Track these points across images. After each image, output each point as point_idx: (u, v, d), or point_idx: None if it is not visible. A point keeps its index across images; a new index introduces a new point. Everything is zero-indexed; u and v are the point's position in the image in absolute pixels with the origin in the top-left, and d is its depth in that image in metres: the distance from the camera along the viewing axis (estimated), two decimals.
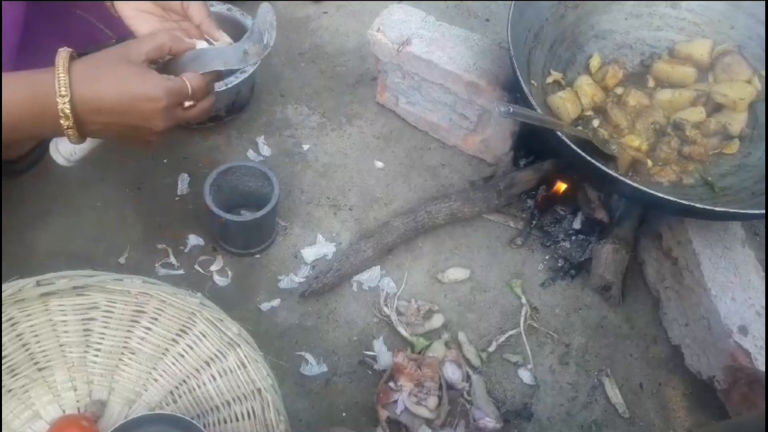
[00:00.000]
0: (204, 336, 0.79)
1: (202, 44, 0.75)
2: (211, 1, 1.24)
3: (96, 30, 0.95)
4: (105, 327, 0.80)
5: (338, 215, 1.15)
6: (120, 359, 0.81)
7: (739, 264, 0.98)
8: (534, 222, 1.15)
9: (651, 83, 1.17)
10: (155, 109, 0.67)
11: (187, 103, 0.71)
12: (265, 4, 0.72)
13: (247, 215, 1.02)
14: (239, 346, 0.77)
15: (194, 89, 0.70)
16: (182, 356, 0.80)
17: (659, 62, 1.17)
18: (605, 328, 1.07)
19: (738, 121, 1.10)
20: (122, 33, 1.11)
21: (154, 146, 0.73)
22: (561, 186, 1.14)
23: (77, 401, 0.79)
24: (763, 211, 0.90)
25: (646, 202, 1.06)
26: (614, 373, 1.02)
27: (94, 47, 0.76)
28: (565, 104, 1.09)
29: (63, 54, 0.65)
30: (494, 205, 1.13)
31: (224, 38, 0.76)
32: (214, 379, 0.78)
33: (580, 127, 1.09)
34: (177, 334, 0.80)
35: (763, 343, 0.90)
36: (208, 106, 0.74)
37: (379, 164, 1.22)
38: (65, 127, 0.65)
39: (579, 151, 0.93)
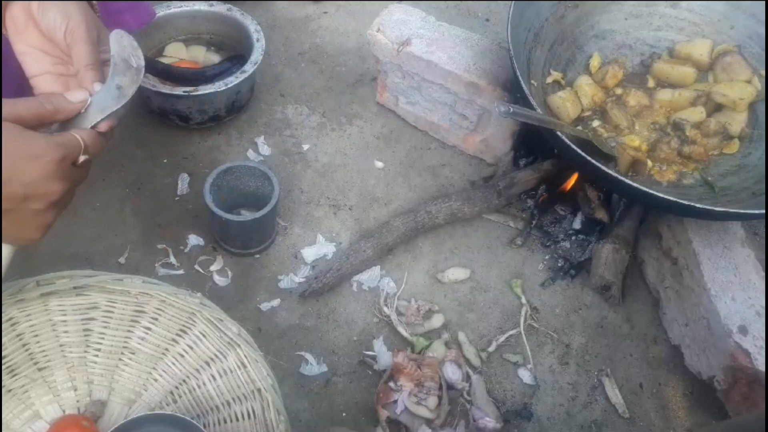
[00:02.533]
0: (204, 336, 0.79)
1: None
2: (211, 1, 1.24)
3: None
4: (105, 327, 0.80)
5: (338, 215, 1.15)
6: (120, 359, 0.81)
7: (739, 264, 0.98)
8: (534, 222, 1.15)
9: (651, 83, 1.17)
10: (45, 169, 0.54)
11: (82, 158, 0.59)
12: (115, 32, 0.65)
13: (247, 215, 1.02)
14: (239, 346, 0.77)
15: (87, 143, 0.59)
16: (182, 356, 0.80)
17: (659, 62, 1.17)
18: (605, 328, 1.07)
19: (738, 121, 1.10)
20: (127, 30, 1.11)
21: (48, 227, 0.58)
22: (561, 186, 1.14)
23: (77, 401, 0.79)
24: (763, 211, 0.91)
25: (646, 202, 1.06)
26: (614, 373, 1.02)
27: None
28: (565, 104, 1.09)
29: None
30: (494, 205, 1.13)
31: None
32: (214, 379, 0.78)
33: (580, 127, 1.09)
34: (177, 334, 0.80)
35: (763, 343, 0.90)
36: (99, 152, 0.62)
37: (379, 164, 1.22)
38: None
39: (579, 151, 0.93)
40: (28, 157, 0.54)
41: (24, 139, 0.54)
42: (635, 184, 0.91)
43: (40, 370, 0.78)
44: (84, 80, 0.64)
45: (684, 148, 1.09)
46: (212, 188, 1.00)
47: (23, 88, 0.82)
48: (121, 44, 0.64)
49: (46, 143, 0.55)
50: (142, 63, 0.65)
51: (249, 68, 1.15)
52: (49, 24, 0.64)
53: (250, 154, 1.20)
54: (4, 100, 0.56)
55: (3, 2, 0.65)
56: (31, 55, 0.67)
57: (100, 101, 0.63)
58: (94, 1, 0.70)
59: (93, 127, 0.62)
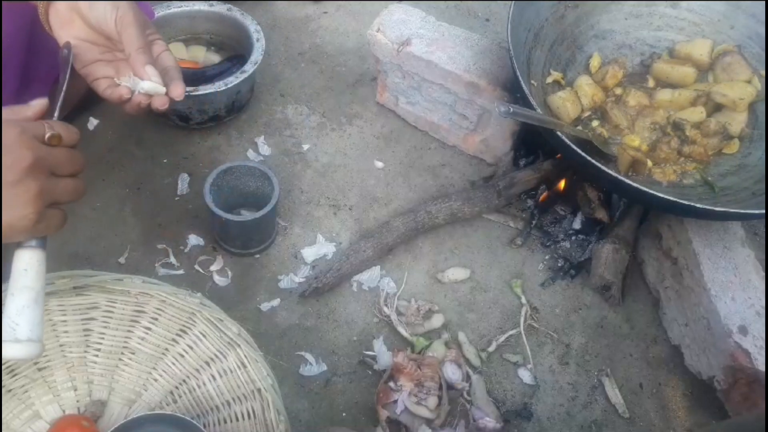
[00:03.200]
0: (204, 336, 0.79)
1: (133, 80, 0.71)
2: (211, 1, 1.24)
3: None
4: (105, 327, 0.80)
5: (338, 215, 1.15)
6: (120, 359, 0.81)
7: (739, 264, 0.98)
8: (534, 222, 1.15)
9: (651, 83, 1.17)
10: (6, 140, 0.55)
11: (48, 134, 0.59)
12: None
13: (247, 215, 1.02)
14: (239, 346, 0.77)
15: (50, 123, 0.61)
16: (182, 356, 0.80)
17: (659, 62, 1.17)
18: (605, 328, 1.07)
19: (738, 121, 1.10)
20: None
21: (37, 201, 0.58)
22: (556, 186, 1.14)
23: (77, 401, 0.79)
24: (763, 211, 0.90)
25: (646, 202, 1.06)
26: (614, 373, 1.02)
27: None
28: (565, 104, 1.09)
29: None
30: (494, 205, 1.13)
31: (151, 74, 0.71)
32: (214, 379, 0.78)
33: (580, 127, 1.09)
34: (177, 334, 0.80)
35: (763, 343, 0.90)
36: (74, 141, 0.63)
37: (379, 164, 1.22)
38: None
39: (579, 151, 0.93)
40: None
41: None
42: (635, 184, 0.91)
43: (40, 370, 0.78)
44: (136, 63, 0.70)
45: (684, 148, 1.09)
46: (212, 188, 1.00)
47: (22, 88, 0.82)
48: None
49: (5, 124, 0.57)
50: (70, 56, 0.70)
51: (249, 68, 1.15)
52: (99, 15, 0.70)
53: (250, 154, 1.20)
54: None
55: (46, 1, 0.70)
56: (80, 47, 0.72)
57: (53, 95, 0.67)
58: None
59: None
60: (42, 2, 0.70)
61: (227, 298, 1.03)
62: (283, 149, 1.22)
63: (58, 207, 0.61)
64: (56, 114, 0.66)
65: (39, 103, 0.64)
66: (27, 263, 0.61)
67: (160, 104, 0.73)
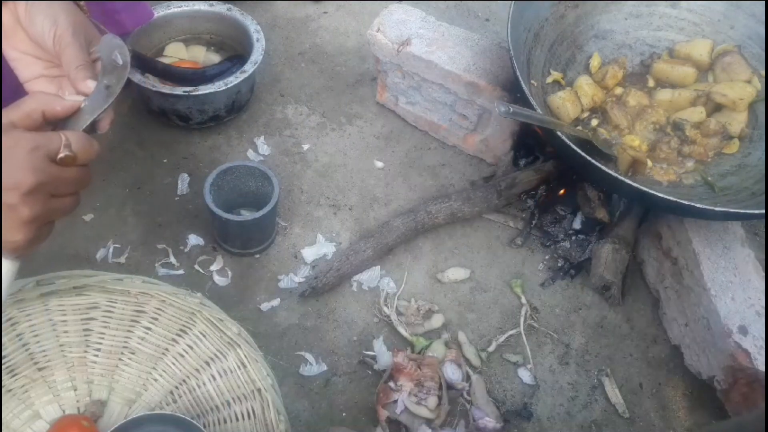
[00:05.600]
0: (204, 336, 0.79)
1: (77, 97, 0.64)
2: (211, 1, 1.24)
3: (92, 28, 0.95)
4: (105, 327, 0.80)
5: (338, 215, 1.15)
6: (120, 359, 0.81)
7: (739, 264, 0.98)
8: (534, 222, 1.15)
9: (651, 83, 1.17)
10: (15, 158, 0.52)
11: (61, 154, 0.56)
12: (104, 36, 0.65)
13: (247, 215, 1.02)
14: (239, 346, 0.77)
15: (70, 141, 0.56)
16: (182, 356, 0.80)
17: (659, 62, 1.17)
18: (605, 328, 1.07)
19: (738, 121, 1.10)
20: (123, 30, 1.11)
21: (29, 226, 0.55)
22: (559, 188, 1.14)
23: (77, 401, 0.80)
24: (763, 211, 0.90)
25: (646, 202, 1.06)
26: (614, 373, 1.02)
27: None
28: (565, 104, 1.09)
29: None
30: (494, 205, 1.13)
31: (92, 87, 0.64)
32: (214, 379, 0.78)
33: (580, 127, 1.09)
34: (177, 334, 0.80)
35: (763, 343, 0.90)
36: (90, 159, 0.60)
37: (379, 164, 1.22)
38: None
39: (579, 151, 0.93)
40: (2, 149, 0.52)
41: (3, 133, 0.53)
42: (635, 184, 0.91)
43: (40, 370, 0.79)
44: (75, 81, 0.63)
45: (684, 148, 1.09)
46: (212, 188, 1.00)
47: (19, 89, 0.82)
48: (109, 45, 0.65)
49: (19, 135, 0.54)
50: (127, 59, 0.65)
51: (249, 68, 1.15)
52: (37, 31, 0.64)
53: (250, 154, 1.20)
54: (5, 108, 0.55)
55: None
56: (22, 61, 0.67)
57: (92, 102, 0.62)
58: (82, 1, 0.70)
59: (89, 129, 0.61)
60: None
61: (227, 298, 1.03)
62: (283, 149, 1.22)
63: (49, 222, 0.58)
64: (85, 124, 0.61)
65: (74, 100, 0.60)
66: None
67: (102, 129, 0.65)
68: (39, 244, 0.58)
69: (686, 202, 0.90)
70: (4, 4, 0.64)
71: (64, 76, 0.67)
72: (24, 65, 0.67)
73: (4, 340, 0.75)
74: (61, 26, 0.64)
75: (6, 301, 0.70)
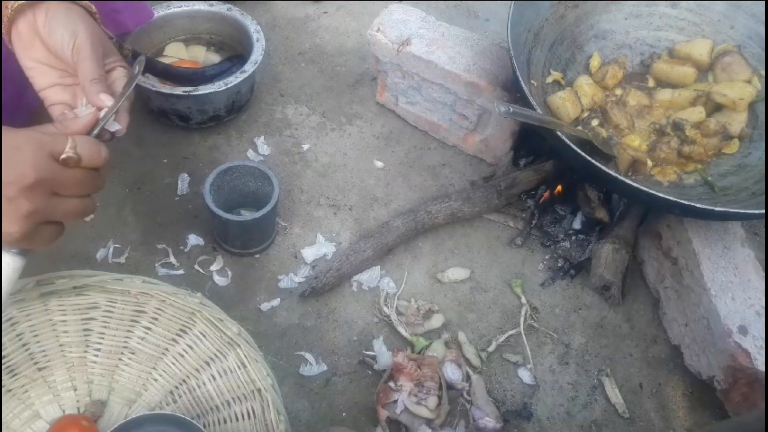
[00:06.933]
0: (204, 336, 0.79)
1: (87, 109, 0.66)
2: (211, 1, 1.24)
3: None
4: (105, 327, 0.80)
5: (338, 215, 1.15)
6: (120, 359, 0.81)
7: (739, 264, 0.98)
8: (534, 222, 1.15)
9: (651, 83, 1.17)
10: (19, 155, 0.54)
11: (65, 155, 0.57)
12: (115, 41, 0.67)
13: (247, 215, 1.02)
14: (239, 346, 0.77)
15: (76, 142, 0.58)
16: (182, 356, 0.80)
17: (659, 62, 1.17)
18: (605, 328, 1.07)
19: (738, 121, 1.10)
20: (123, 30, 1.11)
21: (27, 221, 0.56)
22: (556, 189, 1.14)
23: (77, 401, 0.80)
24: (763, 211, 0.90)
25: (646, 202, 1.06)
26: (614, 373, 1.02)
27: None
28: (565, 104, 1.09)
29: None
30: (494, 205, 1.13)
31: (105, 101, 0.67)
32: (214, 378, 0.78)
33: (580, 127, 1.09)
34: (177, 334, 0.80)
35: (763, 343, 0.90)
36: (97, 164, 0.61)
37: (379, 164, 1.22)
38: None
39: (579, 151, 0.93)
40: (9, 148, 0.54)
41: (9, 133, 0.55)
42: (635, 184, 0.91)
43: (40, 370, 0.79)
44: (89, 93, 0.65)
45: (684, 148, 1.08)
46: (212, 188, 1.00)
47: (23, 90, 0.82)
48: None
49: (29, 134, 0.56)
50: (141, 67, 0.68)
51: (249, 68, 1.15)
52: (56, 42, 0.66)
53: (250, 154, 1.20)
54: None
55: (9, 18, 0.67)
56: (38, 70, 0.69)
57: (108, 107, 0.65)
58: (93, 2, 0.71)
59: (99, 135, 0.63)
60: (5, 22, 0.67)
61: (227, 298, 1.03)
62: (282, 149, 1.22)
63: (56, 222, 0.60)
64: (96, 130, 0.63)
65: (88, 116, 0.62)
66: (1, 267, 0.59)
67: (119, 133, 0.69)
68: (43, 243, 0.59)
69: (686, 202, 0.90)
70: (22, 16, 0.67)
71: (77, 85, 0.69)
72: (39, 74, 0.69)
73: (4, 340, 0.75)
74: (80, 39, 0.66)
75: (6, 301, 0.70)
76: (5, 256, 0.59)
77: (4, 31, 0.68)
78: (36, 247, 0.60)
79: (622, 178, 0.93)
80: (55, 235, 0.60)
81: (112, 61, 0.71)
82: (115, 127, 0.67)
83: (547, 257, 1.13)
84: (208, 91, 1.11)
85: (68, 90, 0.70)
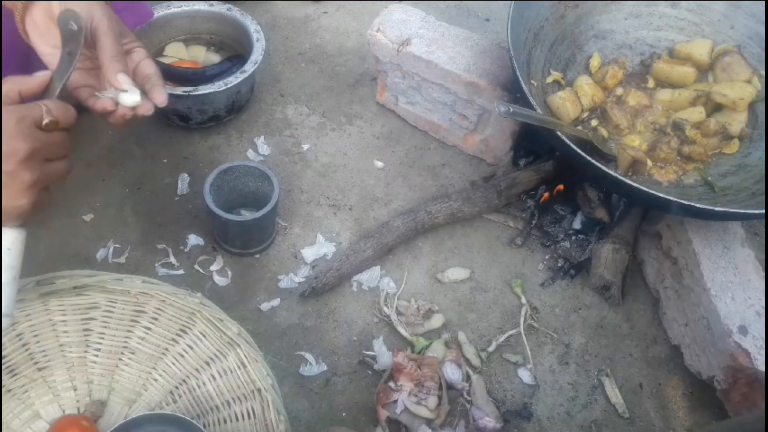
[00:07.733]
0: (204, 336, 0.79)
1: (111, 92, 0.70)
2: (211, 1, 1.24)
3: None
4: (105, 327, 0.80)
5: (338, 215, 1.15)
6: (120, 359, 0.81)
7: (739, 264, 0.98)
8: (534, 222, 1.15)
9: (651, 83, 1.17)
10: (5, 130, 0.56)
11: (45, 120, 0.59)
12: (61, 12, 0.69)
13: (247, 215, 1.02)
14: (239, 346, 0.77)
15: (49, 107, 0.60)
16: (182, 356, 0.80)
17: (659, 62, 1.17)
18: (605, 328, 1.07)
19: (738, 121, 1.10)
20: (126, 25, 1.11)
21: (31, 191, 0.59)
22: (556, 188, 1.14)
23: (77, 401, 0.80)
24: (763, 211, 0.90)
25: (646, 202, 1.06)
26: (614, 373, 1.02)
27: None
28: (565, 104, 1.09)
29: None
30: (494, 205, 1.13)
31: (123, 82, 0.69)
32: (214, 378, 0.78)
33: (580, 127, 1.09)
34: (177, 334, 0.80)
35: (763, 343, 0.90)
36: (70, 123, 0.63)
37: (379, 164, 1.22)
38: None
39: (579, 151, 0.93)
40: None
41: None
42: (635, 184, 0.91)
43: (40, 370, 0.79)
44: (109, 71, 0.68)
45: (684, 148, 1.09)
46: (212, 188, 1.00)
47: (28, 61, 0.82)
48: (65, 17, 0.68)
49: (5, 109, 0.57)
50: (82, 24, 0.68)
51: (249, 68, 1.15)
52: None
53: (250, 154, 1.20)
54: None
55: (24, 6, 0.69)
56: (54, 55, 0.69)
57: (58, 71, 0.66)
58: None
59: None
60: (18, 9, 0.69)
61: (227, 298, 1.03)
62: (282, 149, 1.22)
63: (46, 188, 0.62)
64: (57, 92, 0.64)
65: (43, 75, 0.63)
66: (11, 243, 0.62)
67: (144, 111, 0.71)
68: (41, 209, 0.62)
69: (686, 202, 0.90)
70: (38, 3, 0.68)
71: (94, 68, 0.72)
72: (56, 59, 0.70)
73: (4, 340, 0.75)
74: (97, 18, 0.68)
75: (18, 277, 0.71)
76: (11, 232, 0.61)
77: (17, 19, 0.70)
78: (37, 213, 0.62)
79: (622, 178, 0.93)
80: (49, 199, 0.62)
81: (129, 41, 0.73)
82: (132, 100, 0.70)
83: (547, 257, 1.13)
84: (208, 91, 1.11)
85: (90, 73, 0.72)
